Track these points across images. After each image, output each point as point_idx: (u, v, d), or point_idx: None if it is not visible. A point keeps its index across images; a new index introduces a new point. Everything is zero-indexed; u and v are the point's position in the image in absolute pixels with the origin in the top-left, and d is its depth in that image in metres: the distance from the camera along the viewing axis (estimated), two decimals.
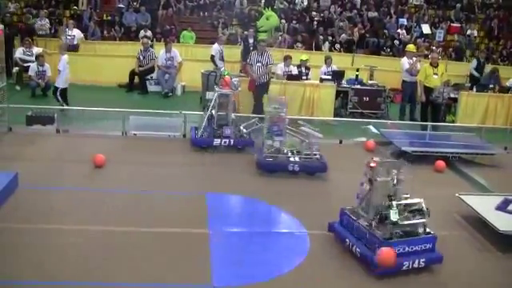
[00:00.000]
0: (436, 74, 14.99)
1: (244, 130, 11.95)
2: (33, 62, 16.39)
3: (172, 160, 11.26)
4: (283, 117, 10.88)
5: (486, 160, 12.47)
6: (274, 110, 10.88)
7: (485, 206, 8.78)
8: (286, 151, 10.83)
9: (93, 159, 10.28)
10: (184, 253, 7.32)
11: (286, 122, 10.97)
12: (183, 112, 12.87)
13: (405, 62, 16.27)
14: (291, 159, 10.71)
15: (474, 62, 19.69)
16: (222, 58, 17.59)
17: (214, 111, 11.83)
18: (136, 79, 17.49)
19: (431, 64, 15.30)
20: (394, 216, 7.07)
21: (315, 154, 10.86)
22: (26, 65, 16.69)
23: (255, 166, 10.81)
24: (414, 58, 16.27)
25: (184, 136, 12.62)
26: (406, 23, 24.45)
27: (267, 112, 11.00)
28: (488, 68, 19.33)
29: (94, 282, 6.45)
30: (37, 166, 10.14)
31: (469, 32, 24.78)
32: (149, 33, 20.42)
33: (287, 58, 16.28)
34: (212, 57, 17.45)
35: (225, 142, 11.67)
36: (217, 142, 11.68)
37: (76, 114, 12.96)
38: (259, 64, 14.22)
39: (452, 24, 25.52)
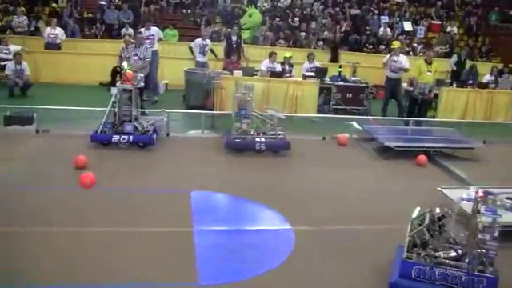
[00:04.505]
0: (430, 71, 15.12)
1: (147, 125, 11.81)
2: (10, 60, 16.18)
3: (156, 158, 11.23)
4: (250, 101, 11.72)
5: (466, 154, 12.63)
6: (241, 94, 11.67)
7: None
8: (252, 132, 11.82)
9: (74, 161, 10.12)
10: (169, 252, 7.28)
11: (252, 105, 11.76)
12: (166, 110, 12.85)
13: (386, 57, 16.46)
14: (257, 139, 11.69)
15: (454, 58, 19.86)
16: (203, 53, 17.34)
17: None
18: (118, 77, 17.39)
19: (426, 61, 15.43)
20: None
21: (279, 134, 11.80)
22: (2, 63, 16.47)
23: (224, 146, 11.78)
24: (401, 55, 16.40)
25: (167, 135, 12.60)
26: (387, 20, 24.61)
27: (235, 97, 11.73)
28: (468, 64, 19.55)
29: (77, 283, 6.38)
30: (16, 167, 10.00)
31: (449, 29, 24.99)
32: (130, 30, 20.27)
33: (272, 55, 16.30)
34: (189, 47, 17.48)
35: (123, 139, 11.41)
36: (115, 138, 11.41)
37: (57, 114, 12.82)
38: (136, 57, 13.78)
39: (432, 21, 25.75)
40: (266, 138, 11.75)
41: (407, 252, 6.53)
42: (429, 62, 15.29)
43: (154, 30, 16.95)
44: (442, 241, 6.50)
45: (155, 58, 16.16)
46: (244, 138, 11.73)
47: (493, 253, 6.23)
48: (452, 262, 6.35)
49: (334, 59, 20.63)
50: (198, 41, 17.34)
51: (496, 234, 6.19)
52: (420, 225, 6.73)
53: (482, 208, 6.27)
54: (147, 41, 15.61)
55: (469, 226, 6.42)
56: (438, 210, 6.70)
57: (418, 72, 15.15)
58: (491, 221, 6.19)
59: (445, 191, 9.15)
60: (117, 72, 17.16)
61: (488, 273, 6.24)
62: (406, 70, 16.08)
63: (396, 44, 17.09)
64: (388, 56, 16.44)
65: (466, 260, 6.31)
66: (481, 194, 6.38)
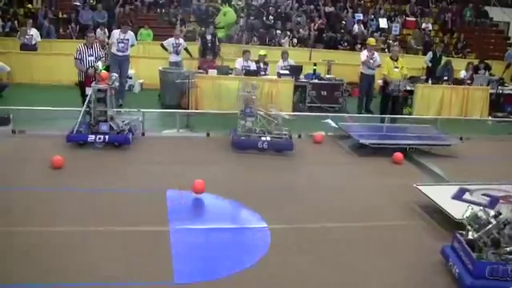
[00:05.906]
0: (397, 67, 15.30)
1: (123, 125, 11.77)
2: None
3: (131, 158, 11.18)
4: (255, 99, 12.03)
5: (442, 150, 12.70)
6: (247, 93, 11.91)
7: (441, 195, 8.93)
8: (257, 131, 11.94)
9: (51, 161, 10.07)
10: (145, 251, 7.26)
11: (257, 104, 12.02)
12: (142, 110, 12.82)
13: (363, 54, 16.53)
14: (262, 138, 11.84)
15: (429, 54, 19.98)
16: (176, 52, 17.19)
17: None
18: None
19: (391, 58, 15.55)
20: None
21: (285, 134, 12.01)
22: None
23: (231, 145, 11.96)
24: (375, 52, 16.55)
25: (143, 134, 12.55)
26: (362, 18, 24.72)
27: (241, 95, 11.96)
28: (443, 61, 19.67)
29: (52, 284, 6.34)
30: None
31: (424, 26, 25.16)
32: (105, 31, 20.20)
33: (246, 53, 16.29)
34: (161, 44, 17.40)
35: (99, 139, 11.35)
36: (91, 138, 11.35)
37: (33, 114, 12.75)
38: (91, 58, 13.38)
39: (407, 18, 25.92)
40: (271, 138, 11.90)
41: (475, 252, 6.66)
42: (395, 59, 15.44)
43: (130, 34, 16.59)
44: (506, 238, 6.68)
45: (126, 63, 15.99)
46: (249, 136, 11.92)
47: None
48: None
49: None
50: (171, 40, 17.19)
51: None
52: (481, 224, 6.89)
53: None
54: (121, 44, 15.51)
55: None
56: (492, 212, 7.00)
57: (387, 69, 15.32)
58: None
59: (421, 188, 9.24)
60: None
61: None
62: (379, 66, 16.28)
63: (372, 41, 17.22)
64: (367, 53, 16.46)
65: None
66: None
